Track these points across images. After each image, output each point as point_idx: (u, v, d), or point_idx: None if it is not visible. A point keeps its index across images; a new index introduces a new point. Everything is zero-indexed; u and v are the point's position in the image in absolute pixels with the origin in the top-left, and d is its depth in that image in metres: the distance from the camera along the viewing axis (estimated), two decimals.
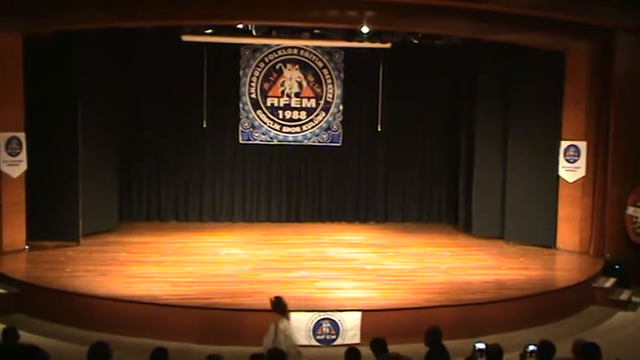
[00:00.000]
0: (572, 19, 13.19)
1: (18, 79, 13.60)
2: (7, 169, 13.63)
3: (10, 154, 13.63)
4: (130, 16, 13.42)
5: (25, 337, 7.40)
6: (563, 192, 14.99)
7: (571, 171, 14.86)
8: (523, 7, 12.62)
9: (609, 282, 13.37)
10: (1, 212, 13.53)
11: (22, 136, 13.75)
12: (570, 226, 14.86)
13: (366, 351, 7.17)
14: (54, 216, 14.15)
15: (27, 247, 13.91)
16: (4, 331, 7.08)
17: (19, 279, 12.20)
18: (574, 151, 14.78)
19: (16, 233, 13.76)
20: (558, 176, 14.98)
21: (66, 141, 14.11)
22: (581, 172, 14.74)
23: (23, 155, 13.78)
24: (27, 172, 13.87)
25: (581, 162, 14.72)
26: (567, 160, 14.87)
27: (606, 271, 13.63)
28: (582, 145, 14.71)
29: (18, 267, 13.02)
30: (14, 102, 13.56)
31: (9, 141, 13.60)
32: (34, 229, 13.97)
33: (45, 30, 13.85)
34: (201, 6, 13.05)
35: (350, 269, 13.33)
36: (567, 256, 14.58)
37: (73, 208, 14.24)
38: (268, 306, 9.18)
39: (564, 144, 14.88)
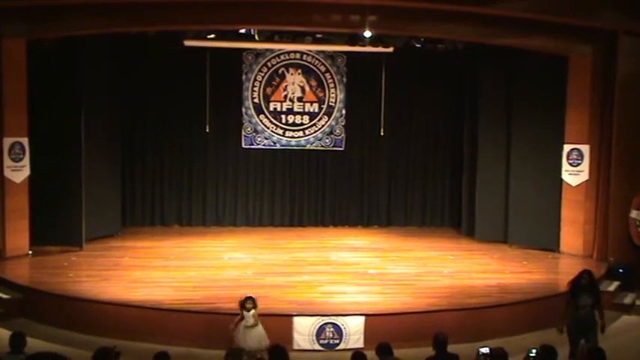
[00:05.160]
0: (575, 23, 13.18)
1: (21, 84, 13.61)
2: (10, 175, 13.62)
3: (13, 160, 13.63)
4: (134, 22, 13.46)
5: (29, 342, 7.38)
6: (566, 195, 14.97)
7: (574, 174, 14.82)
8: (526, 11, 12.61)
9: (613, 285, 13.32)
10: (4, 217, 13.53)
11: (25, 141, 13.76)
12: (573, 230, 14.83)
13: (370, 355, 7.16)
14: (57, 221, 14.17)
15: (30, 252, 13.91)
16: (12, 336, 7.10)
17: (22, 284, 12.19)
18: (577, 155, 14.75)
19: (20, 238, 13.76)
20: (561, 180, 14.96)
21: (69, 146, 14.14)
22: (584, 176, 14.70)
23: (26, 160, 13.78)
24: (30, 178, 13.88)
25: (585, 165, 14.69)
26: (570, 164, 14.84)
27: (610, 275, 13.57)
28: (585, 149, 14.67)
29: (21, 272, 13.01)
30: (17, 107, 13.57)
31: (12, 146, 13.59)
32: (37, 234, 13.99)
33: (49, 36, 13.86)
34: (204, 11, 13.05)
35: (353, 274, 13.31)
36: (571, 260, 14.52)
37: (76, 212, 14.25)
38: (271, 311, 9.18)
39: (567, 147, 14.85)
